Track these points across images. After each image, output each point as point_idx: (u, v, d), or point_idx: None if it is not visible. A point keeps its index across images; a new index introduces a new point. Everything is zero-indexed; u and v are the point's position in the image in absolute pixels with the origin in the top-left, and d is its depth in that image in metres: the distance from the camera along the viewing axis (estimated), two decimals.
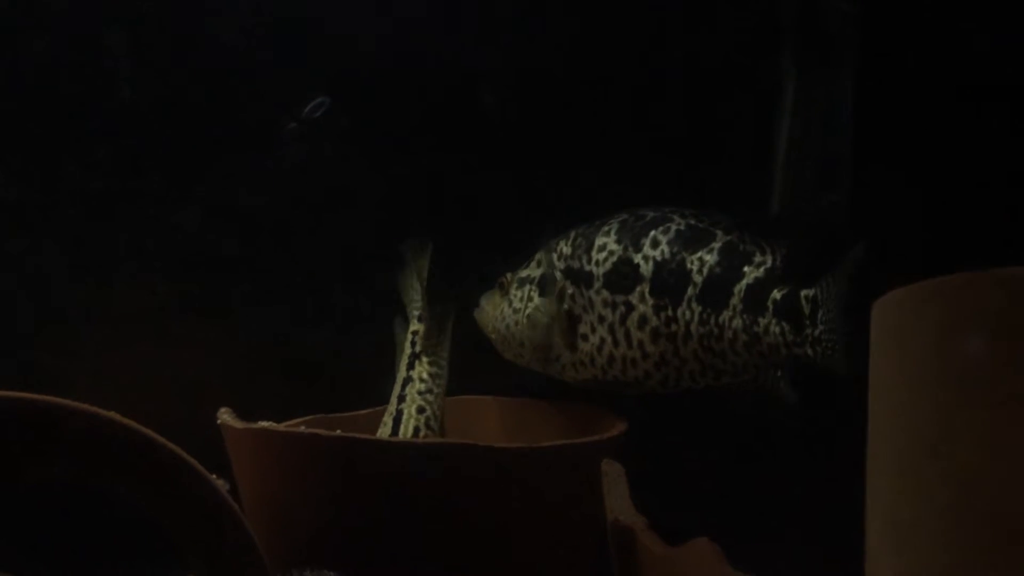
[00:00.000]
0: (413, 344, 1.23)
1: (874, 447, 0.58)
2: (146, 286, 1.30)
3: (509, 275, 1.25)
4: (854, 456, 0.62)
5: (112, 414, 0.81)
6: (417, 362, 1.21)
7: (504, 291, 1.24)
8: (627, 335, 1.13)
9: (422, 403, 1.18)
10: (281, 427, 1.10)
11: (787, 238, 1.07)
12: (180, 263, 1.31)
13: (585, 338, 1.17)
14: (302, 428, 1.09)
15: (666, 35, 1.36)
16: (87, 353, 1.29)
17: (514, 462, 1.00)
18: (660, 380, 1.12)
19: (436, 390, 1.20)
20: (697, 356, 1.10)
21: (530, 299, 1.21)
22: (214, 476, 0.88)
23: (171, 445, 0.84)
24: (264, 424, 1.08)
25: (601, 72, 1.37)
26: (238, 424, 1.05)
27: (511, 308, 1.22)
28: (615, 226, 1.17)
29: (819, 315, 1.03)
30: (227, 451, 1.07)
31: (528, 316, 1.20)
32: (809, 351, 1.03)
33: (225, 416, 1.08)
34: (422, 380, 1.20)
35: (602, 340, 1.15)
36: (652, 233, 1.13)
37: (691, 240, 1.11)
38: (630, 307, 1.13)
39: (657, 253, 1.12)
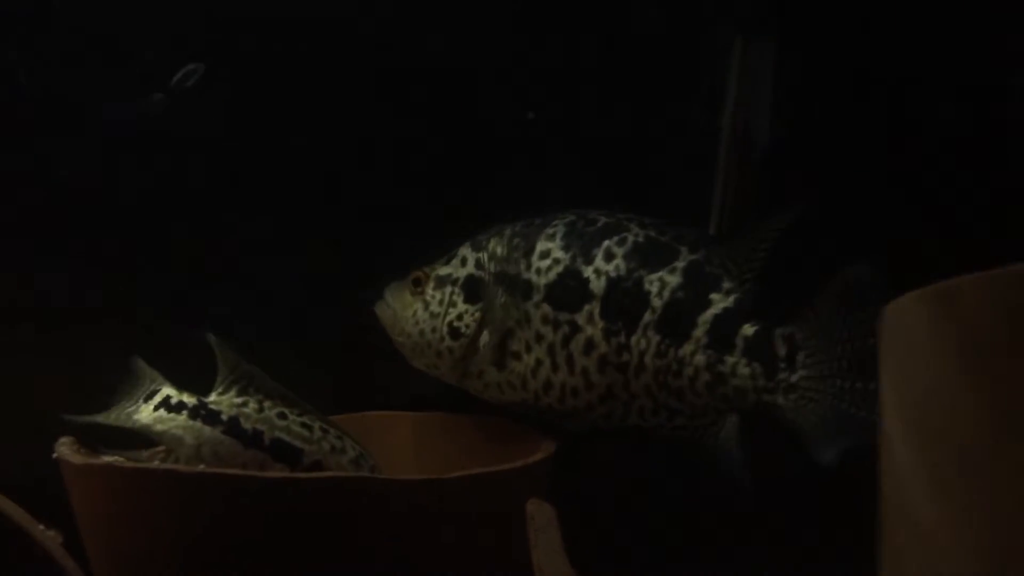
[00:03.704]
0: (176, 406, 0.95)
1: (889, 465, 0.56)
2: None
3: (426, 270, 1.07)
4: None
5: None
6: (211, 404, 0.96)
7: (419, 289, 1.07)
8: (569, 360, 0.98)
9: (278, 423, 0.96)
10: (130, 463, 0.92)
11: (754, 260, 0.93)
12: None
13: (517, 356, 1.01)
14: (156, 463, 0.92)
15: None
16: None
17: (417, 497, 0.87)
18: (603, 414, 0.98)
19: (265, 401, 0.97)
20: (650, 392, 0.96)
21: (452, 303, 1.04)
22: (42, 527, 0.74)
23: None
24: (109, 458, 0.90)
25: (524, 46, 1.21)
26: (77, 459, 0.88)
27: (427, 311, 1.05)
28: (561, 229, 1.01)
29: (798, 359, 0.90)
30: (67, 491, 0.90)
31: (449, 324, 1.04)
32: (781, 400, 0.91)
33: (63, 448, 0.90)
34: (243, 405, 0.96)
35: (538, 362, 0.99)
36: (606, 243, 0.98)
37: (651, 256, 0.97)
38: (575, 328, 0.97)
39: (611, 268, 0.97)
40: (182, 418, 0.94)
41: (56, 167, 1.11)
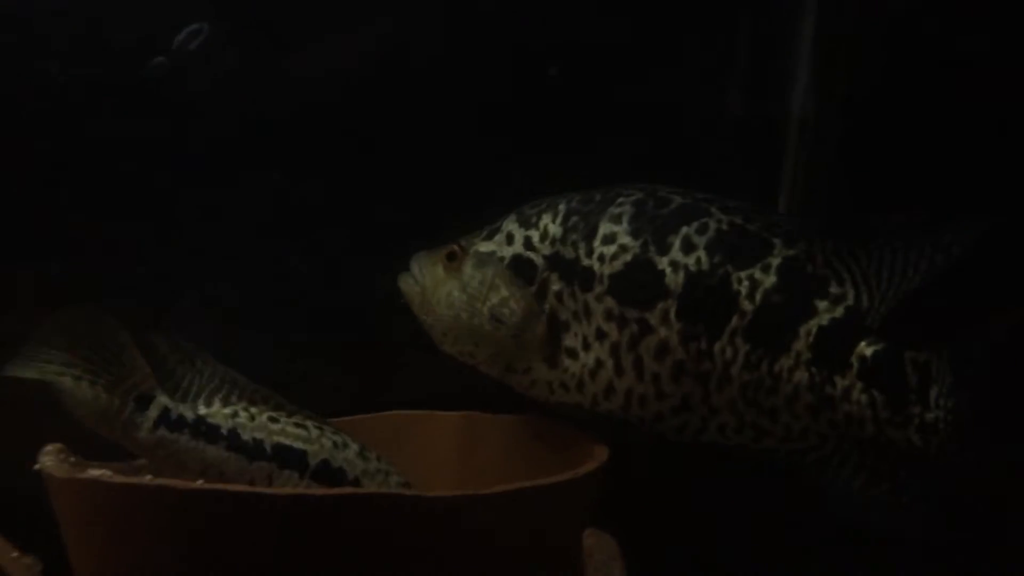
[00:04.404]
0: (177, 423, 0.83)
1: None
2: None
3: (463, 243, 0.94)
4: None
5: None
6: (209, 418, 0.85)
7: (455, 265, 0.93)
8: (637, 364, 0.85)
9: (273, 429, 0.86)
10: (119, 477, 0.80)
11: (901, 285, 0.79)
12: None
13: (573, 354, 0.88)
14: (148, 477, 0.80)
15: None
16: None
17: (447, 515, 0.76)
18: (676, 427, 0.86)
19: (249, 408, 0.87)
20: (735, 408, 0.83)
21: (494, 286, 0.91)
22: (16, 554, 0.73)
23: None
24: (95, 472, 0.79)
25: None
26: (60, 471, 0.77)
27: (464, 292, 0.92)
28: (628, 210, 0.87)
29: (932, 393, 0.78)
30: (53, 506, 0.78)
31: (491, 309, 0.90)
32: (916, 439, 0.78)
33: (46, 459, 0.78)
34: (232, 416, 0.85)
35: (598, 362, 0.86)
36: (684, 230, 0.85)
37: (739, 248, 0.84)
38: (646, 328, 0.84)
39: (691, 261, 0.84)
40: (185, 438, 0.83)
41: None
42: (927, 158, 1.01)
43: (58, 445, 0.79)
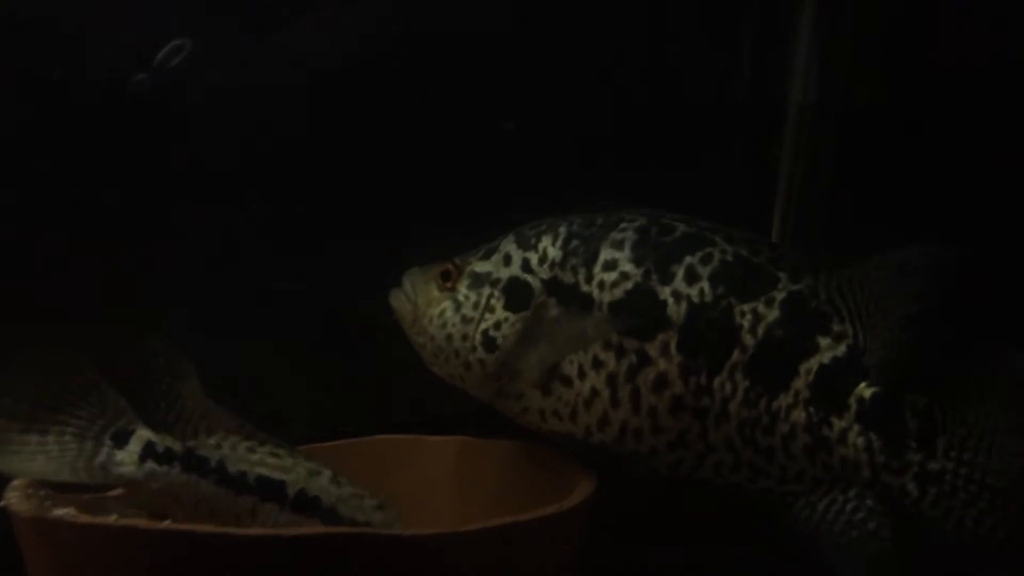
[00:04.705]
0: (165, 456, 0.79)
1: None
2: None
3: (458, 262, 0.91)
4: None
5: None
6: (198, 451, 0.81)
7: (448, 284, 0.90)
8: (634, 396, 0.82)
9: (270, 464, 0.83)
10: (83, 517, 0.75)
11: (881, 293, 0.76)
12: None
13: (567, 382, 0.85)
14: (113, 517, 0.77)
15: None
16: None
17: (424, 554, 0.73)
18: (670, 463, 0.83)
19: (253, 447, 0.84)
20: (732, 446, 0.81)
21: (489, 308, 0.88)
22: None
23: None
24: (60, 511, 0.75)
25: None
26: (24, 510, 0.74)
27: (458, 313, 0.89)
28: (630, 236, 0.84)
29: (939, 444, 0.75)
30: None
31: (484, 332, 0.87)
32: (912, 487, 0.76)
33: (12, 495, 0.74)
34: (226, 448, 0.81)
35: (593, 392, 0.84)
36: (688, 260, 0.82)
37: (743, 280, 0.81)
38: (645, 359, 0.82)
39: (694, 292, 0.81)
40: (176, 471, 0.78)
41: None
42: (926, 157, 0.99)
43: (24, 482, 0.76)
